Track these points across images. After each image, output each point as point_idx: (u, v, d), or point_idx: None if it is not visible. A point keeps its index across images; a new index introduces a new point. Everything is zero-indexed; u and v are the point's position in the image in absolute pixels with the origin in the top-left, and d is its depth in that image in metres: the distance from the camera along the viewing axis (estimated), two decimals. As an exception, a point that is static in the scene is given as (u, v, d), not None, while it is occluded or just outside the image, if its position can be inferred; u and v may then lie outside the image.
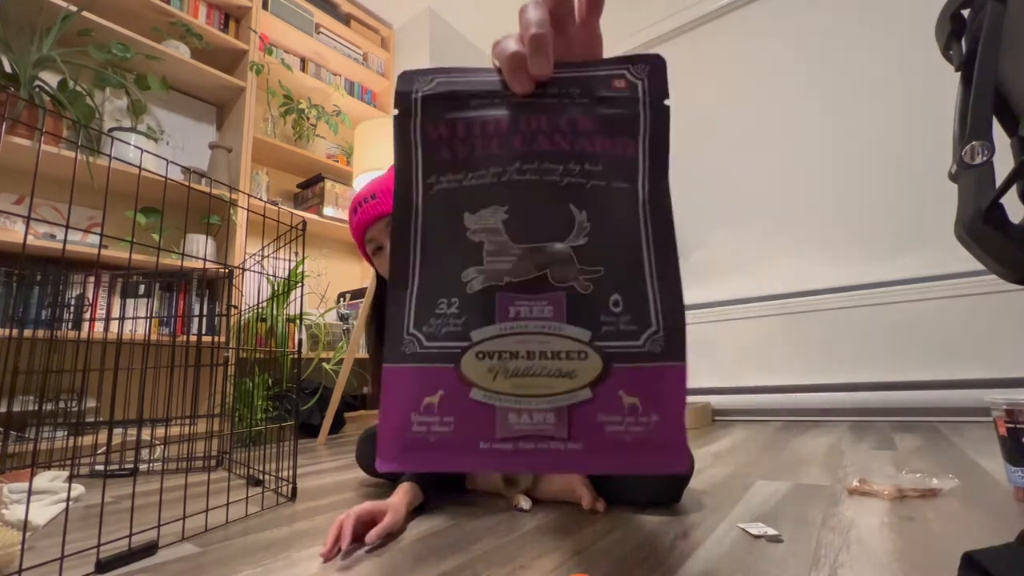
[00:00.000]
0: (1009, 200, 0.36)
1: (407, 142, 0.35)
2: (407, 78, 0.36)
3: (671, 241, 0.33)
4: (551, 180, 0.33)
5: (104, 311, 1.63)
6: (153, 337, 1.70)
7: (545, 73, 0.32)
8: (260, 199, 1.83)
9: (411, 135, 0.35)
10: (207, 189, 1.78)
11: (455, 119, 0.34)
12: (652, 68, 0.35)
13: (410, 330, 0.33)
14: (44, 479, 0.93)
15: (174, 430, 1.48)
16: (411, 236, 0.34)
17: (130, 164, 0.65)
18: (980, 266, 0.50)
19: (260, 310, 1.84)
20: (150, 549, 0.63)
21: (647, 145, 0.34)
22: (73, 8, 1.56)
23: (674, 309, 0.32)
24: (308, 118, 2.41)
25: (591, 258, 0.33)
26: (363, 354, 1.95)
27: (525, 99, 0.34)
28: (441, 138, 0.34)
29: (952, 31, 0.45)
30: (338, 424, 2.02)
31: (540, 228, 0.33)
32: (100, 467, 1.22)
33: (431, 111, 0.35)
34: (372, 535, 0.62)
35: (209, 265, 1.79)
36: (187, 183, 0.88)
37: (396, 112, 0.35)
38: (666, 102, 0.34)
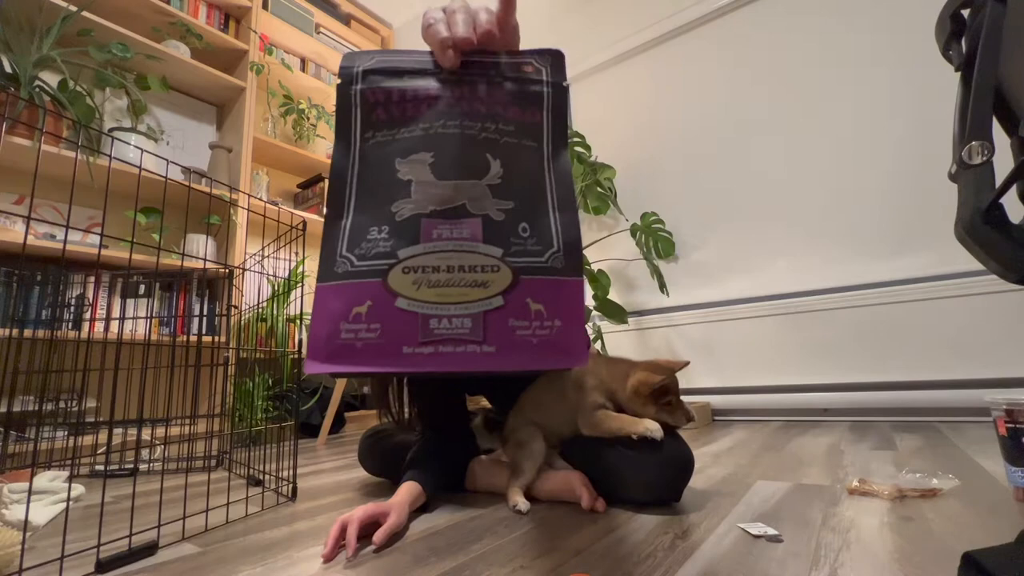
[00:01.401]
0: (1009, 200, 0.36)
1: (347, 105, 0.40)
2: (351, 56, 0.40)
3: (570, 186, 0.41)
4: (470, 134, 0.39)
5: (104, 311, 1.63)
6: (153, 337, 1.70)
7: (470, 39, 0.38)
8: (260, 199, 1.83)
9: (351, 99, 0.39)
10: (207, 189, 1.78)
11: (390, 88, 0.39)
12: (553, 57, 0.41)
13: (343, 253, 0.37)
14: (44, 479, 0.93)
15: (174, 430, 1.48)
16: (348, 178, 0.39)
17: (130, 164, 0.65)
18: (980, 266, 0.50)
19: (260, 310, 1.84)
20: (150, 549, 0.63)
21: (550, 115, 0.41)
22: (73, 8, 1.56)
23: (572, 234, 0.39)
24: (308, 118, 2.41)
25: (503, 194, 0.38)
26: (363, 354, 1.95)
27: (451, 75, 0.39)
28: (378, 102, 0.39)
29: (952, 31, 0.45)
30: (338, 424, 2.02)
31: (461, 168, 0.38)
32: (100, 467, 1.22)
33: (370, 80, 0.40)
34: (380, 536, 0.63)
35: (209, 265, 1.79)
36: (187, 183, 0.88)
37: (339, 82, 0.40)
38: (565, 83, 0.41)
